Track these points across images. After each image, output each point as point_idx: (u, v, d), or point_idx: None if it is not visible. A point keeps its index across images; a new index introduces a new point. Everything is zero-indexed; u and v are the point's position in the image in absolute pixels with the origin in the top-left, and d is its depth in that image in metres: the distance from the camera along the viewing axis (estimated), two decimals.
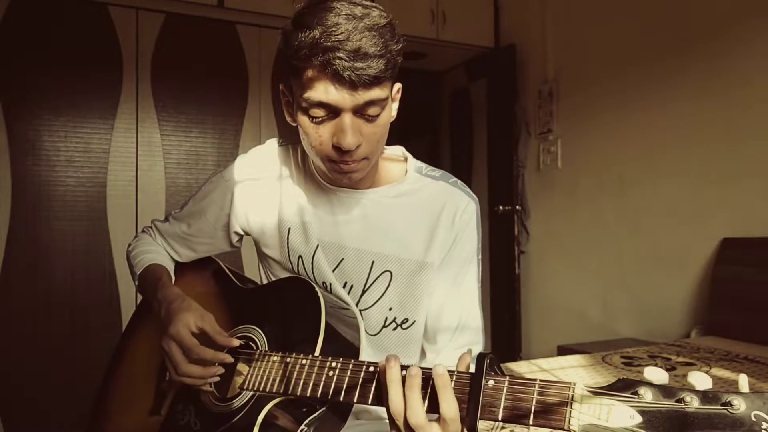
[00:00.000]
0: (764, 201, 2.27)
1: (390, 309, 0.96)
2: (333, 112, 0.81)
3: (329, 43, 0.76)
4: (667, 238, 2.67)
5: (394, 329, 0.97)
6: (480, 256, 1.02)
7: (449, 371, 0.65)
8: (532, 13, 3.49)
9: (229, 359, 0.86)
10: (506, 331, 3.56)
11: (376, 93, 0.80)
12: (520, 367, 1.94)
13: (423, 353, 1.02)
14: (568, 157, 3.26)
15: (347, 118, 0.81)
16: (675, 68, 2.63)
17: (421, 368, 0.66)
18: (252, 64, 3.09)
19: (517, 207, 3.50)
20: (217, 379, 0.87)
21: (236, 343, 0.87)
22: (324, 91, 0.79)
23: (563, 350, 2.65)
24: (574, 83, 3.22)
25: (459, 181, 1.02)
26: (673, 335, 2.58)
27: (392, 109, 0.92)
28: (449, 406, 0.62)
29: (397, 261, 0.96)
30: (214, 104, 3.02)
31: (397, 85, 0.92)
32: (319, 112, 0.82)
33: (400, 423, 0.65)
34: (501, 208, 3.54)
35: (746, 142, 2.34)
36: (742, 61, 2.36)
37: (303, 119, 0.84)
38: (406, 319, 0.97)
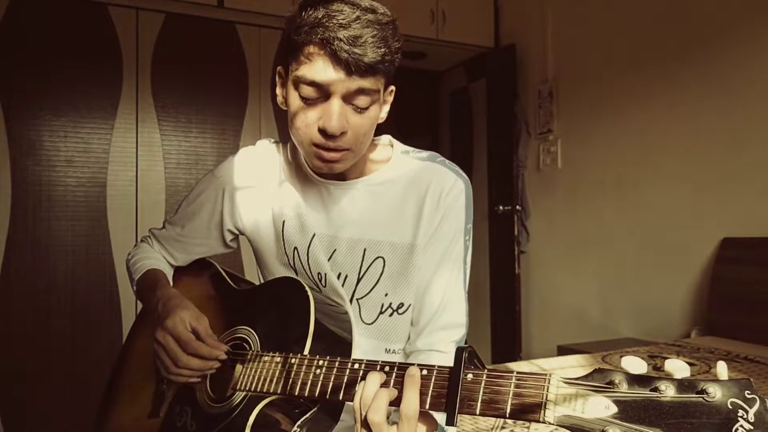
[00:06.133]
0: (764, 201, 2.26)
1: (386, 295, 0.96)
2: (324, 94, 0.82)
3: (331, 24, 0.78)
4: (667, 238, 2.66)
5: (390, 315, 0.96)
6: (469, 237, 0.98)
7: (428, 366, 0.64)
8: (532, 13, 3.49)
9: (224, 355, 0.87)
10: (506, 331, 3.55)
11: (369, 82, 0.81)
12: (520, 367, 1.94)
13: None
14: (568, 157, 3.25)
15: (336, 103, 0.82)
16: (675, 67, 2.63)
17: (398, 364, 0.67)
18: (252, 64, 3.09)
19: (517, 207, 3.50)
20: (213, 371, 0.88)
21: (224, 348, 0.87)
22: (319, 69, 0.80)
23: (563, 350, 2.64)
24: (574, 83, 3.22)
25: (447, 161, 1.00)
26: (673, 335, 2.57)
27: (383, 110, 0.92)
28: (408, 403, 0.63)
29: (389, 246, 0.95)
30: (214, 104, 3.02)
31: (391, 88, 0.92)
32: (310, 92, 0.82)
33: (362, 414, 0.66)
34: (501, 208, 3.54)
35: (746, 141, 2.33)
36: (743, 60, 2.35)
37: (293, 98, 0.85)
38: (402, 304, 0.96)
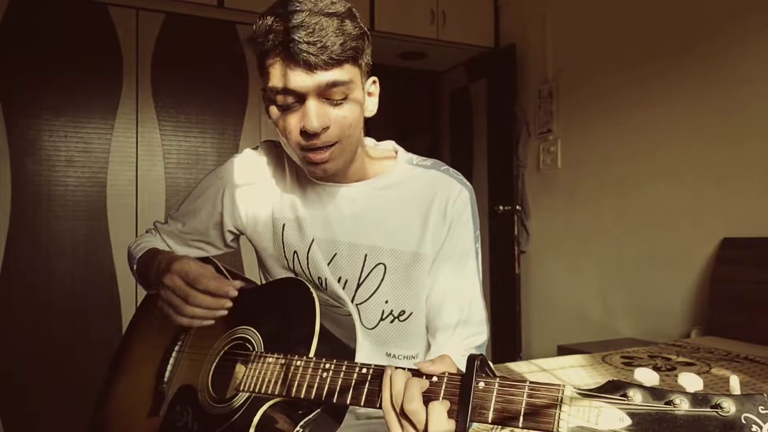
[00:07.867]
0: (764, 201, 2.27)
1: (386, 302, 0.95)
2: (298, 97, 0.82)
3: (283, 27, 0.78)
4: (667, 238, 2.66)
5: (392, 322, 0.96)
6: (479, 245, 0.99)
7: (440, 374, 0.64)
8: (532, 13, 3.49)
9: (235, 292, 0.85)
10: (506, 331, 3.55)
11: (337, 74, 0.80)
12: (520, 367, 1.94)
13: (428, 346, 1.01)
14: (568, 157, 3.25)
15: (311, 102, 0.81)
16: (674, 68, 2.63)
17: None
18: (252, 64, 3.08)
19: (517, 207, 3.50)
20: (225, 312, 0.86)
21: (237, 284, 0.86)
22: (283, 76, 0.80)
23: (563, 350, 2.64)
24: (574, 83, 3.22)
25: (451, 169, 1.00)
26: (673, 335, 2.57)
27: (369, 103, 0.91)
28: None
29: (391, 253, 0.95)
30: (214, 104, 3.02)
31: (373, 78, 0.91)
32: (284, 99, 0.82)
33: (398, 407, 0.64)
34: (501, 208, 3.54)
35: (746, 141, 2.34)
36: (741, 60, 2.35)
37: (273, 111, 0.85)
38: (403, 311, 0.96)
